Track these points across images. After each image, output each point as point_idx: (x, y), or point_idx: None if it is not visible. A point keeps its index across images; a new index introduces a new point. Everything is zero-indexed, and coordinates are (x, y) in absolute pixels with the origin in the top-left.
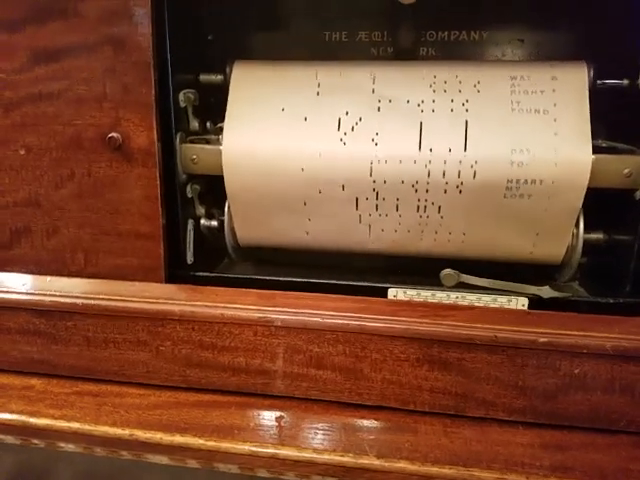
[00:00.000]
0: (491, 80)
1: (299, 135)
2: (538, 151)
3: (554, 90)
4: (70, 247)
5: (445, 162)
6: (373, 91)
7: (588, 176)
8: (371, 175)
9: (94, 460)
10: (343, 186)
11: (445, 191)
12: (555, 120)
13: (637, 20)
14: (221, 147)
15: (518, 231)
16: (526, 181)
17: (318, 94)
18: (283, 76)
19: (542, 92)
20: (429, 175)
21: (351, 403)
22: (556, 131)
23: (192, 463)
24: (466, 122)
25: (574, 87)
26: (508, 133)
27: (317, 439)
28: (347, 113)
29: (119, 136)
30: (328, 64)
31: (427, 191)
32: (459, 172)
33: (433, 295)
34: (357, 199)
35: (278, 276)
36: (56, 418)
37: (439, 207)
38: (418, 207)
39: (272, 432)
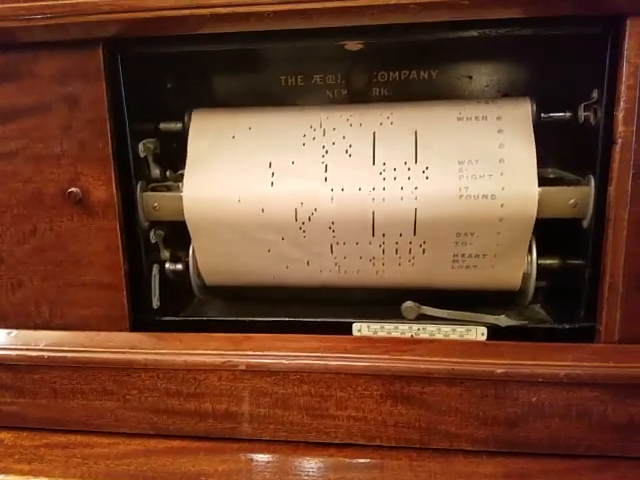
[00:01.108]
0: (439, 164)
1: (259, 226)
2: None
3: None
4: (34, 300)
5: (397, 242)
6: (325, 180)
7: (535, 209)
8: (332, 253)
9: None
10: (308, 262)
11: (399, 264)
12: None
13: (575, 55)
14: (182, 194)
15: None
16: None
17: (272, 184)
18: (238, 153)
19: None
20: (384, 253)
21: (319, 442)
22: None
23: None
24: (415, 210)
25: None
26: (455, 219)
27: None
28: (302, 204)
29: (78, 191)
30: (281, 149)
31: (383, 264)
32: (410, 249)
33: (396, 328)
34: (321, 271)
35: (245, 316)
36: (24, 474)
37: (397, 274)
38: (377, 272)
39: (239, 476)
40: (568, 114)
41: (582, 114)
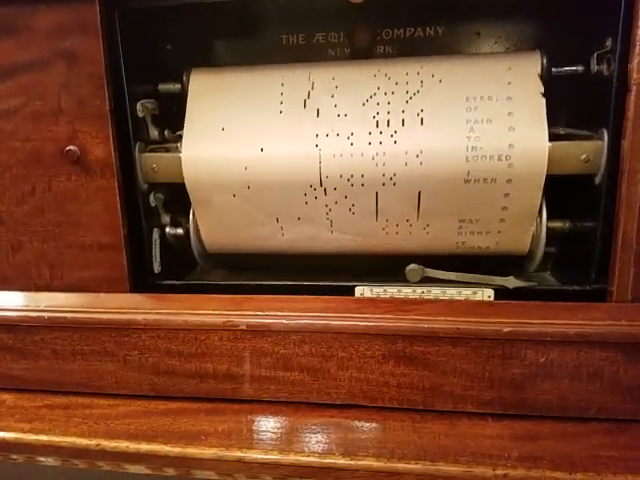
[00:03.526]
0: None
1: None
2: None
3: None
4: (35, 261)
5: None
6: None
7: (546, 163)
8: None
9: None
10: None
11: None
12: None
13: (587, 7)
14: (181, 155)
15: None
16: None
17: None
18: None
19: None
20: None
21: (320, 403)
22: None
23: (169, 471)
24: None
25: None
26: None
27: (284, 441)
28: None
29: (76, 149)
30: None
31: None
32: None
33: (399, 291)
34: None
35: (246, 280)
36: (25, 432)
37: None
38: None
39: (239, 436)
40: (580, 67)
41: (595, 65)
